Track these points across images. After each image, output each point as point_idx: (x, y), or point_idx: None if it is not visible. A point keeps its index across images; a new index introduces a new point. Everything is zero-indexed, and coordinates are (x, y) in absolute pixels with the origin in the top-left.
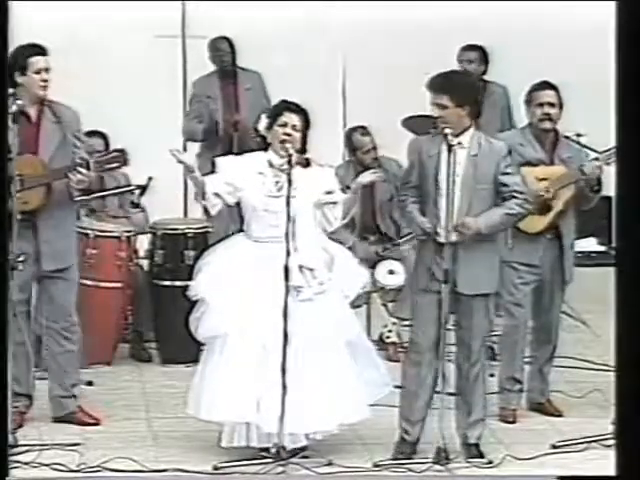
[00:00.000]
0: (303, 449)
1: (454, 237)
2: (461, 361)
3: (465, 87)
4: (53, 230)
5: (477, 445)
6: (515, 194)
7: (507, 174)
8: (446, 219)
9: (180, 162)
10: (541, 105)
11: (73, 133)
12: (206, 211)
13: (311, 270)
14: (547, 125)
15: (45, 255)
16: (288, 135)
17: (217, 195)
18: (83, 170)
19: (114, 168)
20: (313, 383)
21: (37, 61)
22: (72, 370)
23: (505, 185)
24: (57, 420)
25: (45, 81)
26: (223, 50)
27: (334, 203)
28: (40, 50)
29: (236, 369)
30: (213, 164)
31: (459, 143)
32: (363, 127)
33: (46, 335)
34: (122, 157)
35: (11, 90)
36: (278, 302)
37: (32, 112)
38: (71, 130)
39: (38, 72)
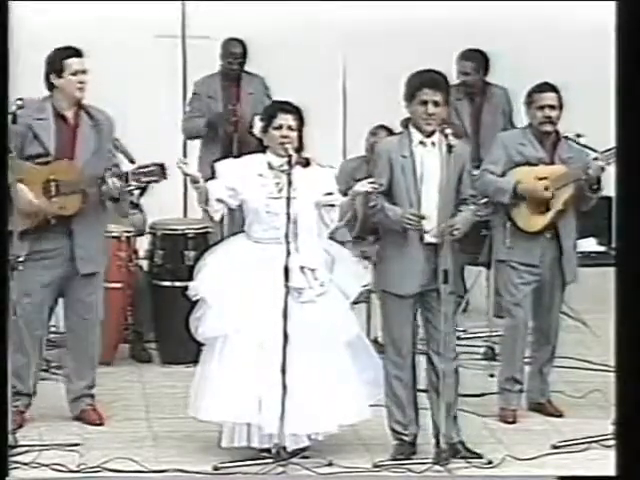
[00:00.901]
0: (304, 449)
1: (432, 239)
2: (437, 358)
3: (449, 86)
4: (88, 235)
5: (462, 442)
6: (475, 200)
7: (469, 175)
8: (439, 218)
9: (186, 174)
10: (542, 108)
11: (110, 139)
12: (209, 217)
13: (313, 270)
14: (548, 128)
15: (81, 258)
16: (285, 137)
17: (220, 201)
18: (116, 181)
19: (152, 182)
20: (314, 384)
21: (73, 63)
22: (89, 370)
23: (467, 187)
24: (74, 418)
25: (82, 83)
26: (235, 54)
27: (332, 205)
28: (76, 52)
29: (236, 370)
30: (212, 169)
31: (432, 143)
32: (386, 129)
33: (68, 336)
34: (161, 171)
35: (48, 93)
36: (279, 303)
37: (69, 115)
38: (107, 134)
39: (75, 74)
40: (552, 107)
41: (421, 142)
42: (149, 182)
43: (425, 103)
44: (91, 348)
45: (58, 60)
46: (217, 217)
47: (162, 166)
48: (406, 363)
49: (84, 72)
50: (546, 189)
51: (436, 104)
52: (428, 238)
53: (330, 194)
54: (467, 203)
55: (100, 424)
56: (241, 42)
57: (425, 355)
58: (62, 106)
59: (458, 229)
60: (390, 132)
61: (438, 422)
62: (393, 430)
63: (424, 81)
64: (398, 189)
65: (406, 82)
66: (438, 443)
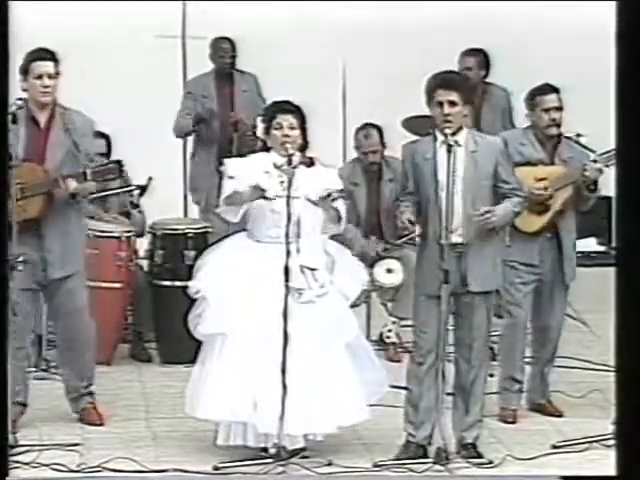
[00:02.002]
0: (302, 450)
1: (458, 238)
2: (461, 362)
3: (469, 86)
4: (58, 238)
5: (474, 445)
6: (517, 192)
7: (506, 170)
8: (447, 220)
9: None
10: (547, 111)
11: (87, 142)
12: (225, 220)
13: (312, 270)
14: (554, 131)
15: (51, 263)
16: (286, 136)
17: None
18: (70, 182)
19: (110, 180)
20: (313, 384)
21: (38, 66)
22: (85, 369)
23: (505, 182)
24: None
25: (46, 87)
26: (224, 50)
27: (315, 204)
28: (45, 55)
29: (234, 368)
30: (218, 170)
31: (456, 142)
32: (373, 126)
33: (58, 339)
34: (117, 169)
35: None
36: (279, 303)
37: (42, 118)
38: (82, 137)
39: (39, 77)
40: (557, 109)
41: (444, 143)
42: (107, 180)
43: (441, 104)
44: (83, 351)
45: (25, 62)
46: (237, 218)
47: (119, 162)
48: (425, 364)
49: (51, 76)
50: (545, 189)
51: (452, 104)
52: (449, 239)
53: (327, 194)
54: (509, 196)
55: (100, 424)
56: (229, 40)
57: (454, 358)
58: (33, 109)
59: (496, 216)
60: (379, 130)
61: (455, 423)
62: (405, 430)
63: (438, 82)
64: (421, 190)
65: (425, 86)
66: (460, 444)
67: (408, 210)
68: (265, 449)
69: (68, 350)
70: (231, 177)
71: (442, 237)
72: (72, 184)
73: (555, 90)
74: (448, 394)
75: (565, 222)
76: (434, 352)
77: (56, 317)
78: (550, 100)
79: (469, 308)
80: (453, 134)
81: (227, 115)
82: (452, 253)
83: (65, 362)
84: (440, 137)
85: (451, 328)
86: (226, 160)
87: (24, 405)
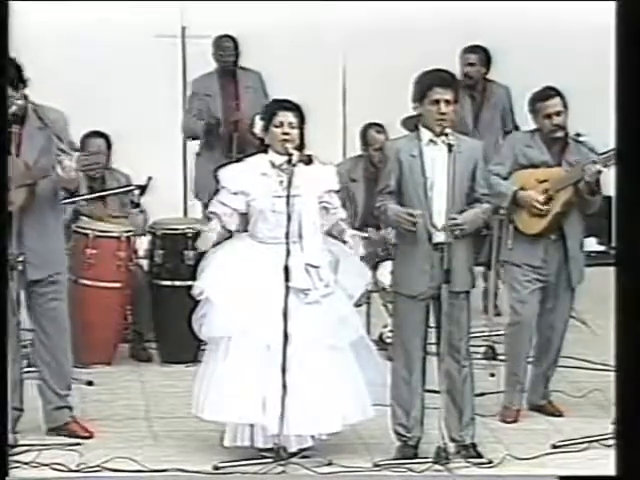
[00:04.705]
0: (306, 449)
1: (445, 237)
2: (450, 363)
3: (458, 85)
4: (38, 237)
5: (474, 445)
6: (488, 199)
7: (483, 174)
8: (436, 219)
9: None
10: (549, 116)
11: (57, 134)
12: (227, 230)
13: (317, 269)
14: (559, 134)
15: (28, 264)
16: (286, 134)
17: (234, 210)
18: (67, 161)
19: (94, 169)
20: (318, 384)
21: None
22: (64, 380)
23: (480, 186)
24: (51, 430)
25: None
26: (227, 49)
27: (325, 202)
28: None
29: (241, 370)
30: (216, 178)
31: (444, 142)
32: (379, 125)
33: (36, 345)
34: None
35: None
36: (283, 303)
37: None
38: (56, 132)
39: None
40: (559, 113)
41: (432, 141)
42: (92, 169)
43: (437, 102)
44: (61, 361)
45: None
46: (234, 227)
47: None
48: (415, 366)
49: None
50: (545, 191)
51: (447, 103)
52: (437, 238)
53: (329, 192)
54: (481, 202)
55: (89, 437)
56: (232, 37)
57: (436, 357)
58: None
59: (460, 225)
60: (382, 129)
61: (450, 425)
62: (396, 432)
63: (435, 80)
64: (407, 189)
65: (415, 82)
66: (460, 446)
67: (397, 207)
68: (271, 449)
69: (47, 363)
70: (223, 187)
71: (431, 236)
72: (67, 163)
73: (556, 93)
74: (428, 391)
75: (570, 224)
76: (421, 355)
77: (34, 324)
78: (551, 105)
79: (455, 308)
80: (441, 134)
81: (229, 114)
82: (436, 252)
83: (42, 369)
84: (427, 135)
85: (434, 329)
86: (220, 170)
87: (20, 410)
